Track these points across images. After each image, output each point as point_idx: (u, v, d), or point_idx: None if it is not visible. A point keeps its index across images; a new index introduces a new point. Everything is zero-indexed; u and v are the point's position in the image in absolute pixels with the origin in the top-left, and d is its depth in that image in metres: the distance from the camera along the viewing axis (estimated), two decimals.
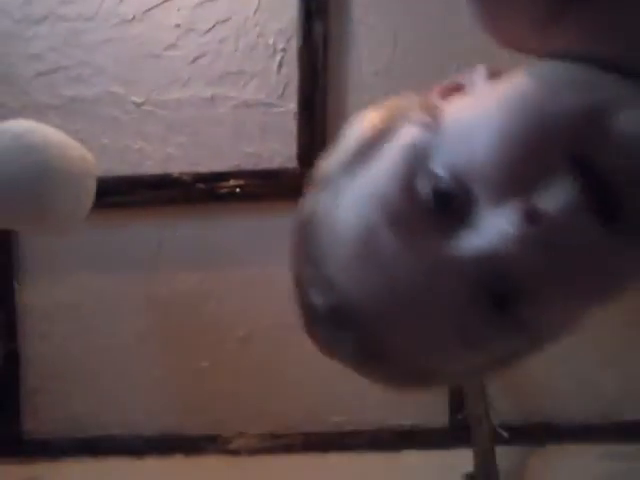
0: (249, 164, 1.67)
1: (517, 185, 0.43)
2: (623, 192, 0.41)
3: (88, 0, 1.63)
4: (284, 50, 1.63)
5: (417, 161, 0.46)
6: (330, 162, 0.52)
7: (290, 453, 1.73)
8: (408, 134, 0.48)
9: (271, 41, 1.63)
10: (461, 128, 0.47)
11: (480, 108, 0.47)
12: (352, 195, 0.49)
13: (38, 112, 1.62)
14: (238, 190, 1.66)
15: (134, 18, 1.63)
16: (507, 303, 0.44)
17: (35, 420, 1.79)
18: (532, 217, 0.42)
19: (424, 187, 0.45)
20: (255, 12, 1.62)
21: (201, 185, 1.66)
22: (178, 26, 1.63)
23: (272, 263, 1.68)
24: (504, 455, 1.59)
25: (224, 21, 1.63)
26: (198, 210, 1.70)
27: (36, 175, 1.29)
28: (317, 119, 1.63)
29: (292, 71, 1.63)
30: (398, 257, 0.46)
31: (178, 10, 1.62)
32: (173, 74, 1.65)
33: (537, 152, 0.43)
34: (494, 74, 0.51)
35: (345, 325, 0.49)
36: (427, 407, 1.73)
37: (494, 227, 0.43)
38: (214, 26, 1.63)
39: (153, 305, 1.74)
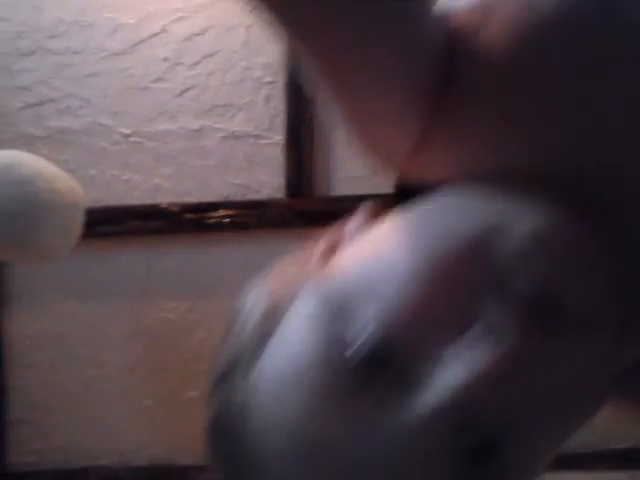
0: (237, 195, 1.69)
1: (446, 324, 0.39)
2: (545, 298, 0.39)
3: (76, 34, 1.65)
4: (271, 83, 1.66)
5: (332, 324, 0.41)
6: (231, 348, 0.47)
7: None
8: (311, 298, 0.43)
9: (258, 74, 1.66)
10: (366, 279, 0.42)
11: (379, 251, 0.43)
12: (268, 379, 0.43)
13: (26, 143, 1.63)
14: (226, 220, 1.67)
15: (122, 52, 1.65)
16: (481, 456, 0.39)
17: (20, 452, 1.77)
18: (482, 352, 0.38)
19: (348, 352, 0.39)
20: (242, 46, 1.65)
21: (189, 215, 1.68)
22: (166, 59, 1.66)
23: None
24: None
25: (211, 55, 1.65)
26: (186, 240, 1.71)
27: (25, 207, 1.29)
28: (304, 150, 1.65)
29: (279, 103, 1.66)
30: (343, 440, 0.39)
31: (166, 44, 1.65)
32: (161, 106, 1.67)
33: (456, 282, 0.40)
34: (375, 213, 0.48)
35: None
36: None
37: (445, 375, 0.38)
38: (202, 60, 1.65)
39: (141, 334, 1.74)
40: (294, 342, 0.42)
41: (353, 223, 0.49)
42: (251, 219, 1.66)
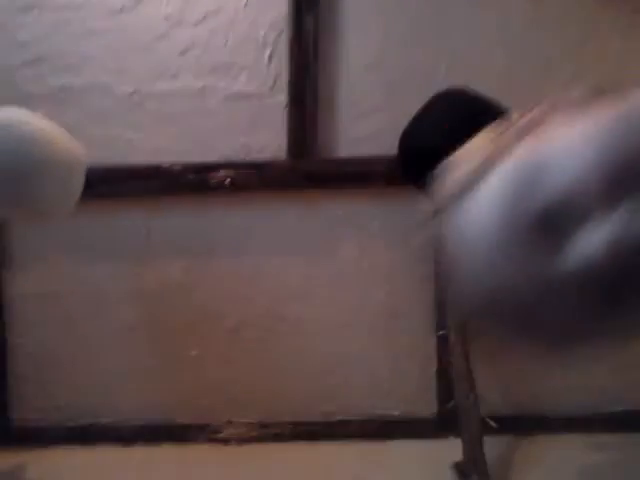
0: (239, 155, 1.68)
1: (621, 194, 0.52)
2: None
3: None
4: (275, 43, 1.63)
5: (530, 179, 0.53)
6: (451, 183, 0.61)
7: (279, 442, 1.74)
8: (521, 154, 0.56)
9: (262, 33, 1.63)
10: (568, 147, 0.54)
11: (587, 126, 0.55)
12: (474, 209, 0.57)
13: (25, 102, 1.60)
14: (228, 181, 1.66)
15: (123, 9, 1.62)
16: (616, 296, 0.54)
17: (23, 408, 1.79)
18: (620, 228, 0.50)
19: (536, 204, 0.53)
20: (246, 5, 1.62)
21: (191, 176, 1.66)
22: (168, 17, 1.63)
23: (261, 253, 1.69)
24: (492, 445, 1.60)
25: (215, 13, 1.63)
26: (187, 201, 1.70)
27: (26, 166, 1.28)
28: (307, 111, 1.63)
29: (283, 63, 1.63)
30: (519, 268, 0.54)
31: (169, 2, 1.62)
32: (163, 65, 1.65)
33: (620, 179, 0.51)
34: (597, 92, 0.60)
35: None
36: (416, 397, 1.75)
37: (588, 243, 0.50)
38: (204, 18, 1.63)
39: (142, 294, 1.75)
40: (490, 194, 0.56)
41: (566, 101, 0.60)
42: (252, 180, 1.65)
